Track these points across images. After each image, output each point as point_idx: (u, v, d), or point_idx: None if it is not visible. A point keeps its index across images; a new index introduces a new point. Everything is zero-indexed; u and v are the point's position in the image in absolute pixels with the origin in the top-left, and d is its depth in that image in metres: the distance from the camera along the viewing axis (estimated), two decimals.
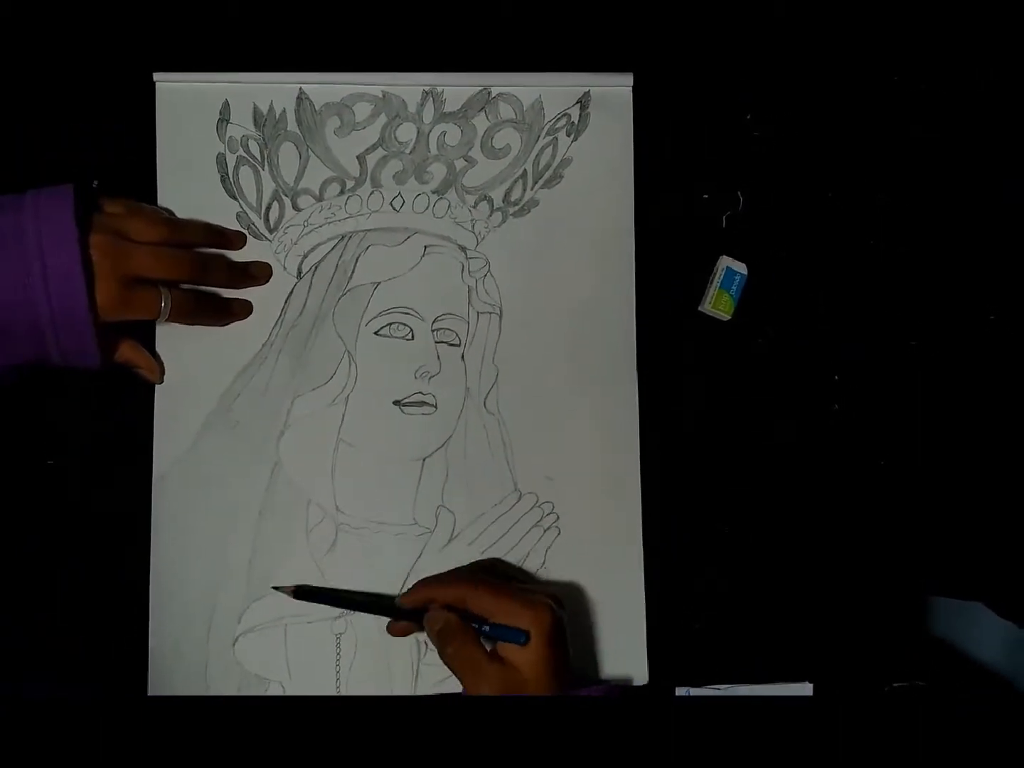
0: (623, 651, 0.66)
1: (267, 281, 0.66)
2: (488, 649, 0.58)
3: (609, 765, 0.49)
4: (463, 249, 0.67)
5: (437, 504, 0.66)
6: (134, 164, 0.65)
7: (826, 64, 0.70)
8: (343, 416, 0.65)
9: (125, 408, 0.64)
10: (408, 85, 0.67)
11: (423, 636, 0.64)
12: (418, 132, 0.67)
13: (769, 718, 0.51)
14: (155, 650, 0.63)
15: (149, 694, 0.63)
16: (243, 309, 0.65)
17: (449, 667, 0.59)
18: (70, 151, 0.65)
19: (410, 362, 0.66)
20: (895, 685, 0.67)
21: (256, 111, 0.66)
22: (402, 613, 0.62)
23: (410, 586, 0.63)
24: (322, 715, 0.49)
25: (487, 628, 0.58)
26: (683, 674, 0.66)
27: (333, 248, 0.66)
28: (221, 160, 0.66)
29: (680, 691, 0.66)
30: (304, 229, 0.66)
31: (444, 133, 0.67)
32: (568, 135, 0.68)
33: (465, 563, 0.65)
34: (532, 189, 0.68)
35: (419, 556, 0.65)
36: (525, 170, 0.68)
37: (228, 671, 0.63)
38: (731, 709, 0.54)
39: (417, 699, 0.63)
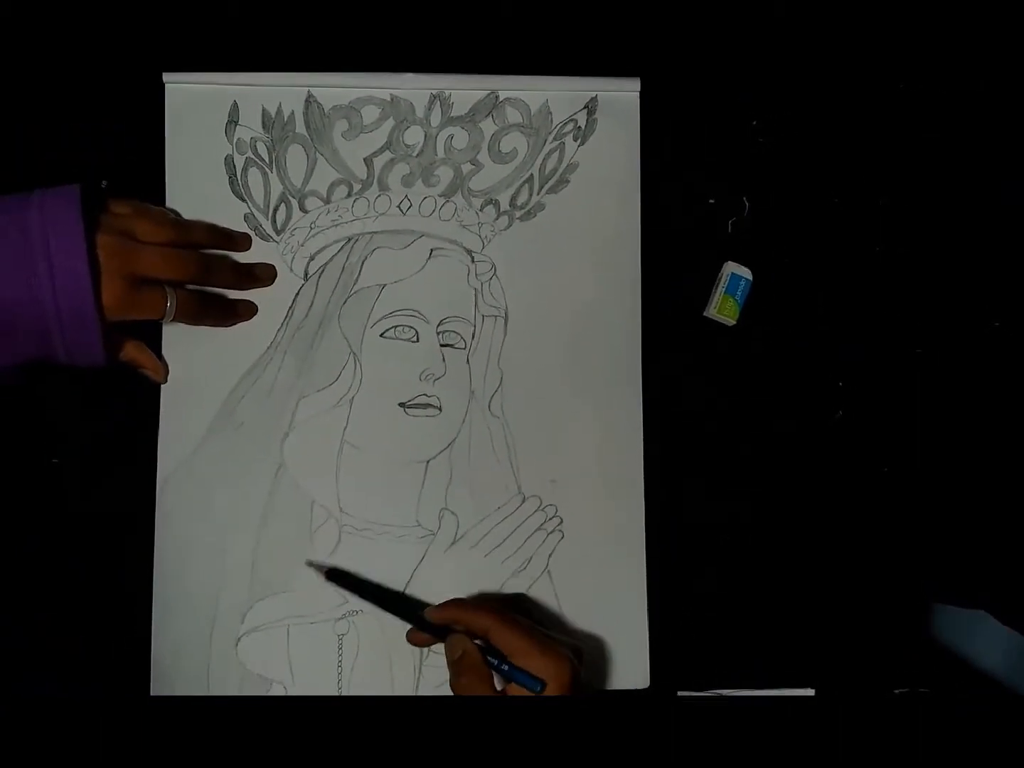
0: (625, 655, 0.66)
1: (272, 283, 0.66)
2: (500, 687, 0.58)
3: (609, 766, 0.49)
4: (469, 252, 0.67)
5: (441, 507, 0.66)
6: (142, 165, 0.65)
7: (831, 71, 0.70)
8: (348, 418, 0.65)
9: (130, 408, 0.64)
10: (416, 89, 0.67)
11: None
12: (425, 136, 0.67)
13: (771, 723, 0.51)
14: (158, 650, 0.63)
15: (152, 694, 0.63)
16: (248, 310, 0.65)
17: (456, 695, 0.59)
18: (78, 151, 0.65)
19: (415, 364, 0.66)
20: (898, 691, 0.67)
21: (265, 113, 0.66)
22: (426, 625, 0.62)
23: (411, 590, 0.64)
24: (324, 715, 0.49)
25: (505, 667, 0.57)
26: (685, 679, 0.66)
27: (340, 250, 0.66)
28: (229, 162, 0.66)
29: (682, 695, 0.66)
30: (311, 231, 0.66)
31: (451, 137, 0.67)
32: (575, 140, 0.68)
33: (468, 566, 0.65)
34: (538, 193, 0.68)
35: (422, 558, 0.65)
36: (532, 174, 0.68)
37: (230, 671, 0.63)
38: (732, 714, 0.54)
39: (418, 699, 0.63)
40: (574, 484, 0.67)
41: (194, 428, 0.65)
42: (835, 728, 0.51)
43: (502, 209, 0.68)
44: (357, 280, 0.66)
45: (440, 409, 0.66)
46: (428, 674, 0.64)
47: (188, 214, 0.65)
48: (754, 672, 0.67)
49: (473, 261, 0.67)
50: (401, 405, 0.66)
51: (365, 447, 0.65)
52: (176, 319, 0.61)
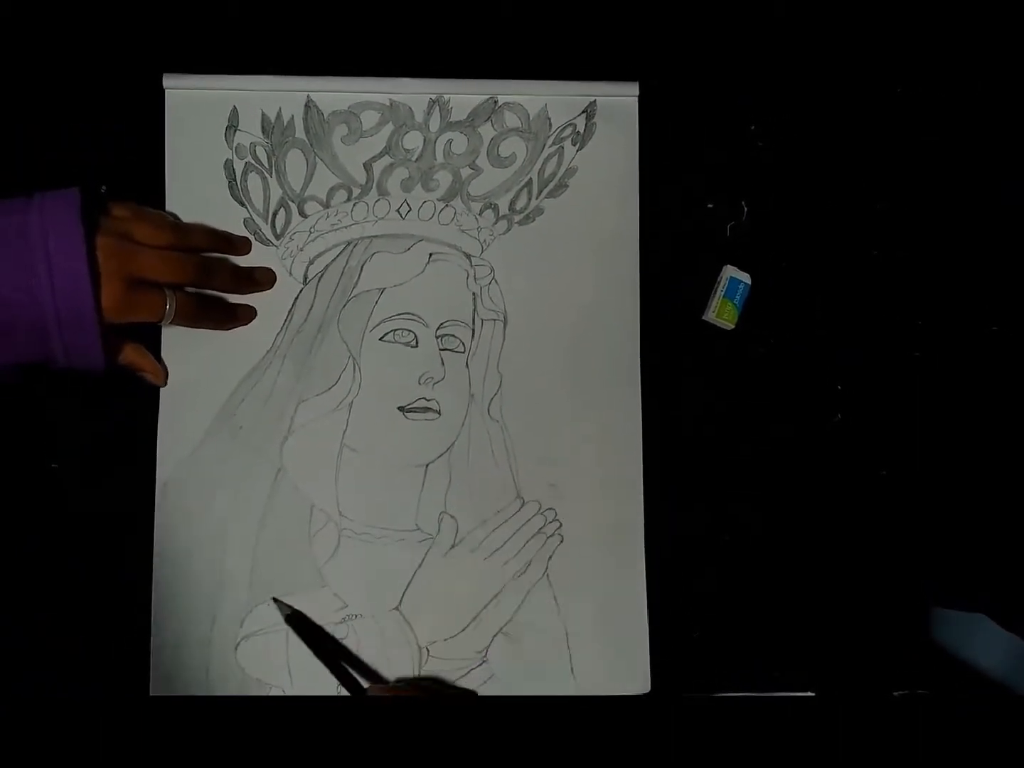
0: (625, 659, 0.66)
1: (271, 287, 0.66)
2: None
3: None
4: (468, 256, 0.67)
5: (440, 510, 0.66)
6: (142, 168, 0.65)
7: (829, 75, 0.70)
8: (347, 421, 0.65)
9: (129, 412, 0.65)
10: (415, 93, 0.67)
11: (424, 642, 0.64)
12: (424, 140, 0.68)
13: (772, 726, 0.51)
14: (156, 654, 0.63)
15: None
16: (247, 314, 0.66)
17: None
18: (78, 154, 0.65)
19: (414, 368, 0.66)
20: (897, 693, 0.67)
21: (264, 118, 0.67)
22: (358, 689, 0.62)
23: (411, 594, 0.64)
24: (324, 715, 0.49)
25: None
26: (686, 683, 0.66)
27: (339, 254, 0.67)
28: (229, 166, 0.66)
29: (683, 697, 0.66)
30: (310, 235, 0.66)
31: (450, 141, 0.68)
32: (574, 144, 0.68)
33: (467, 570, 0.65)
34: (537, 198, 0.68)
35: (421, 562, 0.65)
36: (530, 179, 0.68)
37: (229, 675, 0.63)
38: (732, 716, 0.54)
39: (419, 700, 0.63)
40: (573, 488, 0.67)
41: (193, 432, 0.65)
42: (835, 730, 0.51)
43: (501, 213, 0.68)
44: (356, 284, 0.66)
45: (439, 413, 0.66)
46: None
47: (188, 218, 0.65)
48: (755, 676, 0.67)
49: (472, 265, 0.67)
50: (400, 409, 0.66)
51: (364, 451, 0.65)
52: (175, 322, 0.61)
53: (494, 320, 0.67)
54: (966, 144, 0.71)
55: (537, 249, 0.68)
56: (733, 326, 0.68)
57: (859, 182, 0.70)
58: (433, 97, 0.68)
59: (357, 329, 0.66)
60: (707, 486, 0.68)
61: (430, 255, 0.67)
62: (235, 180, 0.66)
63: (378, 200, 0.67)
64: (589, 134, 0.69)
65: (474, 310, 0.67)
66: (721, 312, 0.68)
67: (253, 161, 0.66)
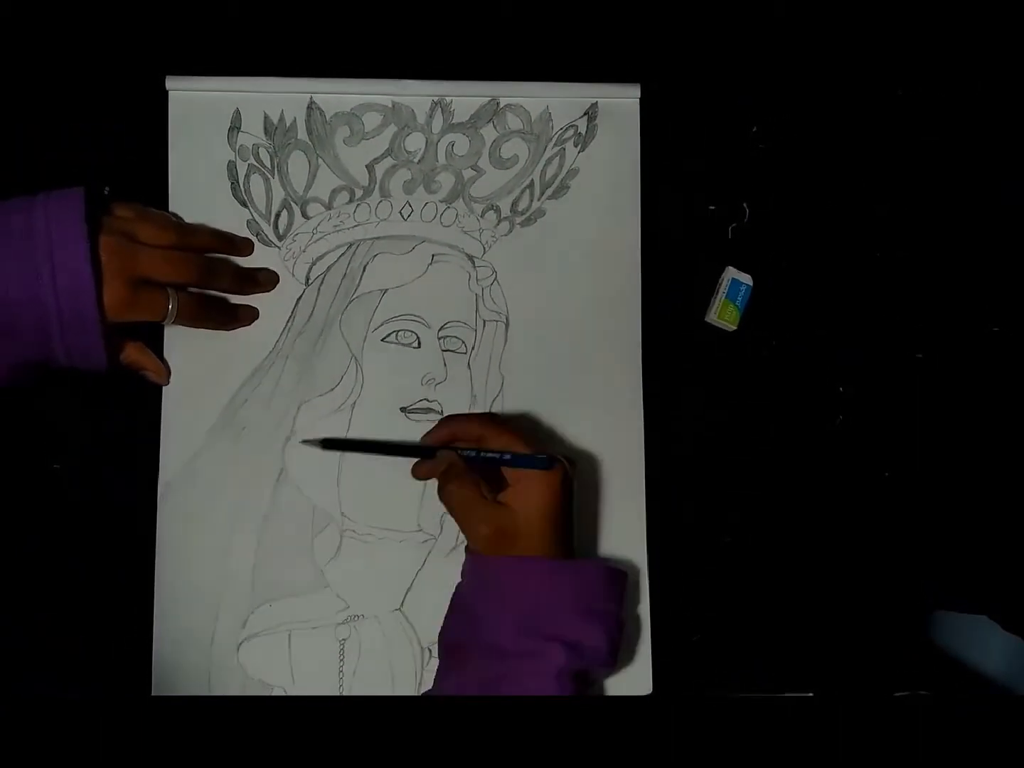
0: (627, 661, 0.66)
1: (273, 288, 0.66)
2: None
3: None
4: (470, 258, 0.67)
5: (442, 511, 0.65)
6: (146, 169, 0.66)
7: (830, 77, 0.70)
8: (349, 422, 0.66)
9: (131, 412, 0.65)
10: (417, 95, 0.68)
11: (426, 642, 0.64)
12: (427, 142, 0.68)
13: (771, 726, 0.51)
14: (159, 654, 0.63)
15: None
16: (249, 315, 0.66)
17: (447, 506, 0.61)
18: (83, 155, 0.65)
19: (416, 369, 0.66)
20: (898, 695, 0.67)
21: (267, 120, 0.67)
22: (426, 452, 0.63)
23: (413, 595, 0.64)
24: (325, 716, 0.49)
25: (508, 456, 0.59)
26: (686, 685, 0.66)
27: (341, 256, 0.67)
28: (232, 168, 0.66)
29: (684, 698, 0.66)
30: (313, 237, 0.67)
31: (452, 143, 0.68)
32: (575, 146, 0.69)
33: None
34: (539, 199, 0.68)
35: (423, 563, 0.65)
36: (532, 180, 0.68)
37: (231, 676, 0.63)
38: (733, 717, 0.54)
39: (419, 700, 0.63)
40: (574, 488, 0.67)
41: (195, 433, 0.65)
42: (835, 731, 0.51)
43: (503, 215, 0.68)
44: (359, 285, 0.67)
45: (441, 414, 0.66)
46: (430, 680, 0.64)
47: (190, 219, 0.65)
48: (755, 677, 0.67)
49: (474, 266, 0.67)
50: (402, 410, 0.66)
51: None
52: (177, 321, 0.61)
53: (496, 321, 0.67)
54: (966, 145, 0.71)
55: (539, 250, 0.68)
56: (735, 327, 0.68)
57: (860, 183, 0.70)
58: (435, 99, 0.68)
59: (359, 330, 0.66)
60: (708, 487, 0.68)
61: (432, 256, 0.67)
62: (238, 181, 0.66)
63: (380, 202, 0.67)
64: (591, 136, 0.69)
65: (476, 311, 0.67)
66: (723, 313, 0.68)
67: (256, 162, 0.67)
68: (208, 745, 0.47)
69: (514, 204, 0.68)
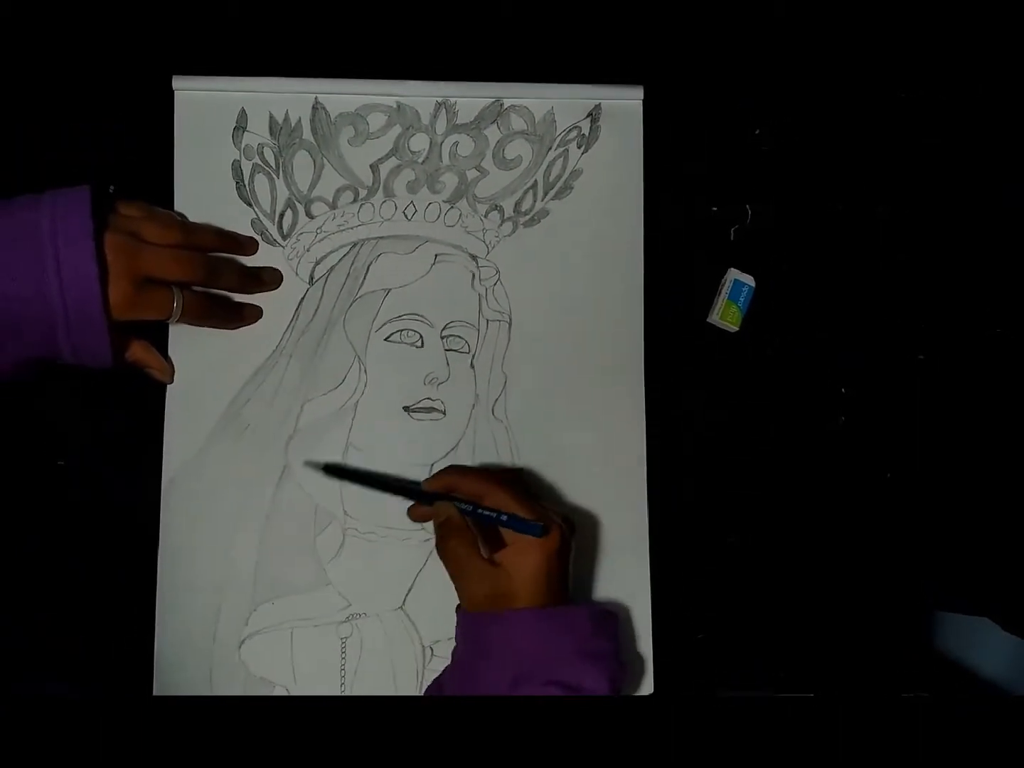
0: (629, 661, 0.66)
1: (278, 287, 0.66)
2: (486, 555, 0.60)
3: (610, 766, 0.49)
4: (474, 258, 0.68)
5: None
6: (151, 169, 0.66)
7: (832, 79, 0.70)
8: (352, 421, 0.66)
9: (135, 410, 0.65)
10: (422, 96, 0.68)
11: (428, 641, 0.65)
12: (431, 142, 0.68)
13: (771, 726, 0.51)
14: (160, 652, 0.63)
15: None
16: (253, 314, 0.66)
17: (443, 561, 0.61)
18: (88, 154, 0.66)
19: (419, 368, 0.66)
20: (899, 696, 0.67)
21: (272, 120, 0.67)
22: (424, 498, 0.63)
23: (414, 594, 0.65)
24: (327, 716, 0.49)
25: (504, 517, 0.59)
26: (687, 684, 0.66)
27: (345, 255, 0.67)
28: (237, 167, 0.67)
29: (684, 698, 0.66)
30: (317, 236, 0.67)
31: (456, 144, 0.68)
32: (579, 147, 0.69)
33: None
34: (542, 200, 0.68)
35: (425, 562, 0.65)
36: (536, 181, 0.68)
37: (233, 674, 0.63)
38: (734, 717, 0.54)
39: (420, 700, 0.63)
40: (577, 489, 0.67)
41: (199, 430, 0.65)
42: (836, 732, 0.51)
43: (506, 215, 0.68)
44: (362, 285, 0.67)
45: (444, 413, 0.66)
46: (431, 678, 0.64)
47: (195, 218, 0.65)
48: (756, 678, 0.67)
49: (478, 266, 0.68)
50: (405, 409, 0.66)
51: (370, 450, 0.66)
52: (182, 320, 0.62)
53: (499, 321, 0.67)
54: (968, 148, 0.71)
55: (542, 251, 0.68)
56: (737, 328, 0.68)
57: (862, 185, 0.70)
58: (440, 99, 0.68)
59: (363, 329, 0.66)
60: (711, 488, 0.68)
61: (436, 256, 0.67)
62: (243, 181, 0.67)
63: (384, 201, 0.67)
64: (594, 137, 0.69)
65: (479, 311, 0.67)
66: (725, 315, 0.68)
67: (260, 162, 0.67)
68: (209, 745, 0.47)
69: (517, 205, 0.68)
